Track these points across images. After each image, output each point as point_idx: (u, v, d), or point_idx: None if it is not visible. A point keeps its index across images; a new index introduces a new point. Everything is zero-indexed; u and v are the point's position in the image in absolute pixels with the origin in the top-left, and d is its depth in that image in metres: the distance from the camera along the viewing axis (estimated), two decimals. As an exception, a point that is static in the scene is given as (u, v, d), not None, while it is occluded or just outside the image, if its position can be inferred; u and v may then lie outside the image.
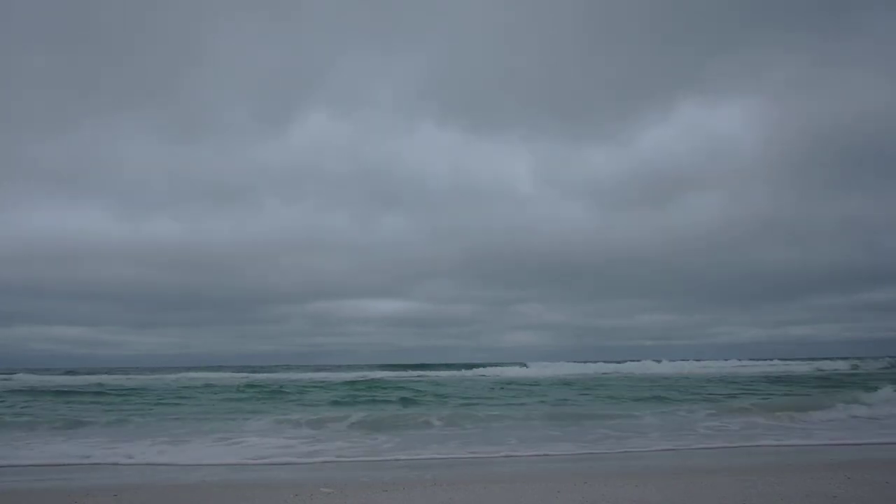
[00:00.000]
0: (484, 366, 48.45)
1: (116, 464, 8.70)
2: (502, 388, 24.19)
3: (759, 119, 72.60)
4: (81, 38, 65.75)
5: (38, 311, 76.43)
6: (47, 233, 66.57)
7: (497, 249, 75.58)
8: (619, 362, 51.88)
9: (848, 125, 64.18)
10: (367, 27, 70.09)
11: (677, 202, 76.01)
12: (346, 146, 78.86)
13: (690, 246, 72.91)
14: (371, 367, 53.07)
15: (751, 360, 52.67)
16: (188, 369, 49.64)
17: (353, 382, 27.19)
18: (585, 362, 52.93)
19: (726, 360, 50.22)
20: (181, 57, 69.90)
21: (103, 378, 36.15)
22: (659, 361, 47.19)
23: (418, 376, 35.80)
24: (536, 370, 42.30)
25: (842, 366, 43.99)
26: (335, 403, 17.63)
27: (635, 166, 74.21)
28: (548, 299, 78.64)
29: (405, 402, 17.85)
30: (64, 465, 8.70)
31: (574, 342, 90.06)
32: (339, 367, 53.43)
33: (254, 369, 50.70)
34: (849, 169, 71.16)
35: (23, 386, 27.28)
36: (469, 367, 47.38)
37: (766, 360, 52.63)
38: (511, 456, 9.08)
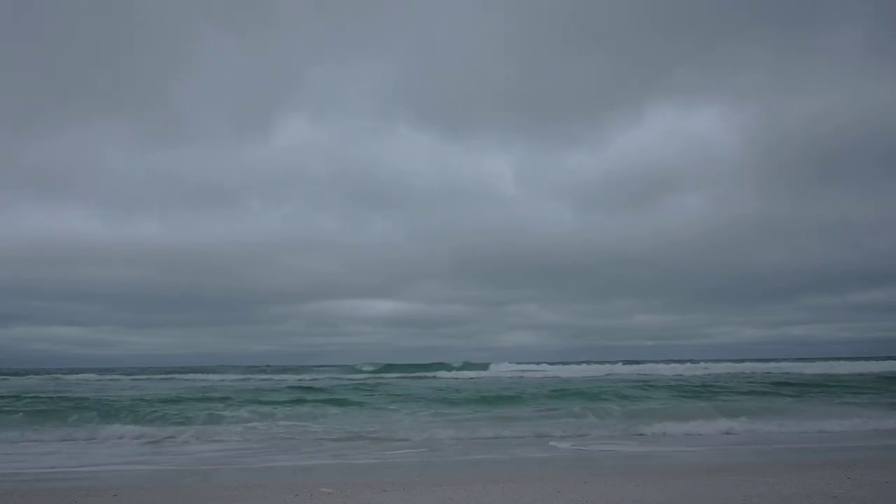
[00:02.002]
0: (449, 368, 46.93)
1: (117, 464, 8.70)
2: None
3: (733, 120, 73.24)
4: (65, 45, 66.45)
5: (34, 312, 76.74)
6: (38, 234, 66.96)
7: (487, 250, 76.40)
8: (627, 362, 51.71)
9: (816, 124, 64.84)
10: (339, 36, 71.50)
11: (658, 204, 76.61)
12: (327, 149, 79.67)
13: (676, 247, 73.32)
14: (348, 369, 51.89)
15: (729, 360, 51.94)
16: (184, 370, 49.71)
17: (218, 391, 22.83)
18: (581, 363, 52.67)
19: (718, 360, 49.88)
20: (162, 65, 71.24)
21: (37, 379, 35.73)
22: (690, 362, 46.62)
23: (367, 379, 34.95)
24: (496, 372, 41.72)
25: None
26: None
27: (615, 168, 75.00)
28: (541, 300, 79.13)
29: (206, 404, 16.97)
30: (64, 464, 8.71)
31: (570, 343, 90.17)
32: (300, 369, 52.10)
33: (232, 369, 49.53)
34: (821, 168, 71.54)
35: None
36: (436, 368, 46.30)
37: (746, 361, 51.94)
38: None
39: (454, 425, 12.58)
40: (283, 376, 38.88)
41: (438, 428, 12.21)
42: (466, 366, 48.18)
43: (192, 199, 79.52)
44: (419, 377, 37.59)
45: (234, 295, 78.45)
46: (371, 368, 49.25)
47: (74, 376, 42.21)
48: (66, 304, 77.03)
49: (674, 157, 76.02)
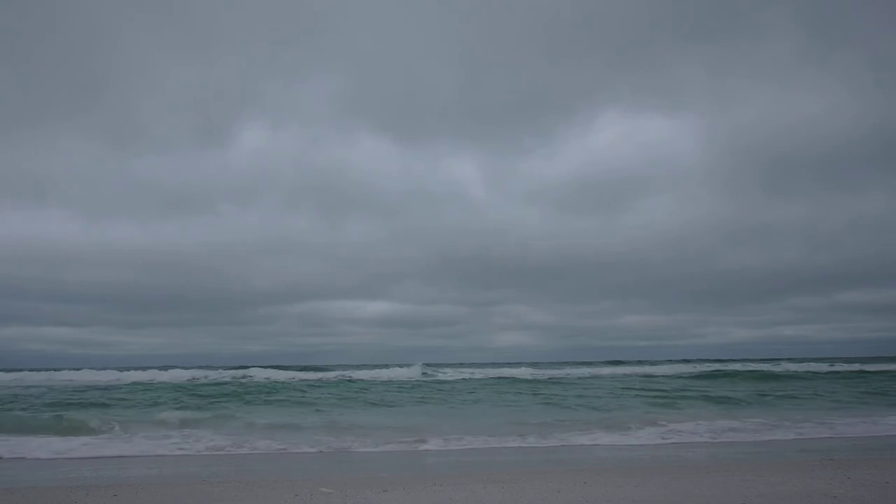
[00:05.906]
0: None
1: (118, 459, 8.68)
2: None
3: (693, 125, 73.76)
4: (43, 61, 67.69)
5: (30, 313, 77.06)
6: (24, 238, 67.72)
7: (467, 251, 77.19)
8: (615, 363, 51.77)
9: (769, 129, 65.84)
10: (294, 50, 73.60)
11: (630, 207, 77.07)
12: (291, 155, 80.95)
13: (657, 249, 73.69)
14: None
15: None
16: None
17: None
18: (569, 364, 52.68)
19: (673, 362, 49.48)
20: (131, 79, 72.60)
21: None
22: (683, 361, 46.05)
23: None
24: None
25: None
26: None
27: (583, 172, 75.99)
28: (527, 301, 79.50)
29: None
30: (64, 461, 8.68)
31: (561, 343, 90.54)
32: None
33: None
34: (773, 171, 72.16)
35: None
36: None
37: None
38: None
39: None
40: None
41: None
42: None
43: (165, 205, 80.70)
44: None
45: (222, 296, 79.19)
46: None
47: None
48: (62, 306, 77.65)
49: (638, 160, 77.10)
